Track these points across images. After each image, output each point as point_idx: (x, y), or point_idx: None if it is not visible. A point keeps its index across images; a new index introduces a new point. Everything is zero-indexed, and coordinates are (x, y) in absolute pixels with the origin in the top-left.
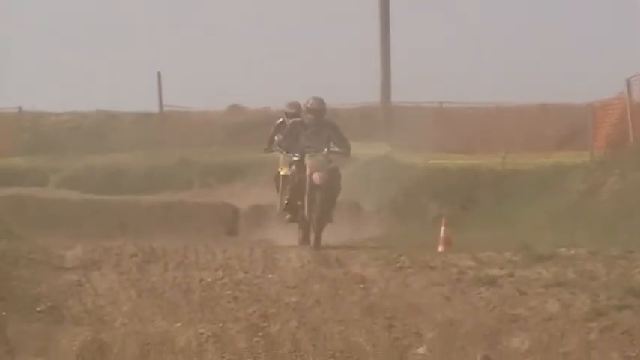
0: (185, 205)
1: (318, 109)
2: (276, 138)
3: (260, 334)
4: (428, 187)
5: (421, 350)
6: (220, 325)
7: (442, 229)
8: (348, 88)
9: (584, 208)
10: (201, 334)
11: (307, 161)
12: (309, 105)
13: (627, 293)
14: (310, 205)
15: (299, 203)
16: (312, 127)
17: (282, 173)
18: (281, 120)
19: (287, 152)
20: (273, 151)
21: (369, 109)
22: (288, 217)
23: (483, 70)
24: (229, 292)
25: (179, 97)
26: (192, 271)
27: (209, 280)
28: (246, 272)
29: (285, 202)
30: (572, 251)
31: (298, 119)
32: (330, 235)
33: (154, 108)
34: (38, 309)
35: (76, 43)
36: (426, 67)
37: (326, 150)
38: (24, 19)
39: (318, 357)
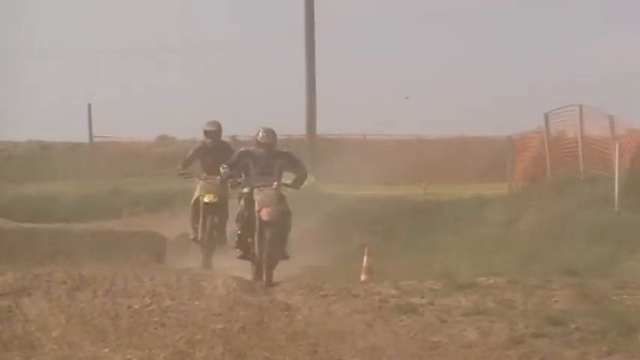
0: (114, 234)
1: (269, 142)
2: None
3: None
4: (352, 217)
5: None
6: (148, 351)
7: (365, 258)
8: (274, 119)
9: (503, 239)
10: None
11: (256, 196)
12: (259, 138)
13: (544, 322)
14: (260, 242)
15: (249, 240)
16: (263, 159)
17: (205, 200)
18: (201, 143)
19: (233, 187)
20: (190, 176)
21: (295, 141)
22: (239, 254)
23: (406, 102)
24: (157, 319)
25: (110, 127)
26: (121, 298)
27: (137, 307)
28: (173, 299)
29: (236, 238)
30: (492, 280)
31: (246, 149)
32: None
33: (84, 139)
34: None
35: (6, 72)
36: (350, 99)
37: (275, 183)
38: None
39: None
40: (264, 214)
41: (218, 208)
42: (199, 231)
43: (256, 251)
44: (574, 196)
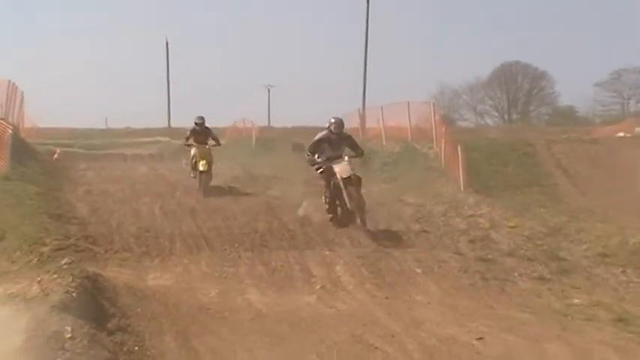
0: (112, 154)
1: (338, 130)
2: (191, 140)
3: (122, 189)
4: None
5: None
6: (118, 185)
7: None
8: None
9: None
10: (118, 189)
11: (335, 168)
12: (332, 127)
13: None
14: (349, 197)
15: (337, 202)
16: (333, 142)
17: (201, 169)
18: (193, 128)
19: (316, 160)
20: (191, 145)
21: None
22: (330, 217)
23: None
24: (125, 178)
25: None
26: (113, 171)
27: (117, 174)
28: (126, 173)
29: (326, 205)
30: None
31: (322, 136)
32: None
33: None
34: (68, 183)
35: None
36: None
37: (346, 157)
38: None
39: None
40: (344, 174)
41: (206, 169)
42: (197, 175)
43: (348, 205)
44: None
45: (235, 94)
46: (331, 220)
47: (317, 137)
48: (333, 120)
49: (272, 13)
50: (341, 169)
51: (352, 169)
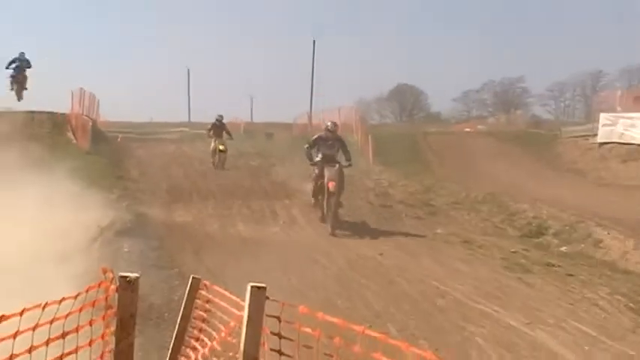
0: (154, 138)
1: (333, 130)
2: (211, 132)
3: (160, 161)
4: None
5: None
6: (158, 159)
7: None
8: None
9: None
10: (158, 161)
11: (326, 172)
12: (329, 127)
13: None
14: (327, 206)
15: (320, 197)
16: (329, 140)
17: (220, 148)
18: (213, 123)
19: (312, 157)
20: (211, 137)
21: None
22: (313, 202)
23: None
24: (161, 154)
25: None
26: (154, 149)
27: (157, 150)
28: (162, 150)
29: (312, 191)
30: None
31: (319, 135)
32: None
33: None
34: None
35: None
36: None
37: (337, 165)
38: None
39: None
40: (331, 187)
41: (224, 152)
42: (215, 161)
43: (325, 211)
44: None
45: (231, 98)
46: (313, 205)
47: (316, 135)
48: (329, 123)
49: (256, 38)
50: (329, 176)
51: (339, 178)
